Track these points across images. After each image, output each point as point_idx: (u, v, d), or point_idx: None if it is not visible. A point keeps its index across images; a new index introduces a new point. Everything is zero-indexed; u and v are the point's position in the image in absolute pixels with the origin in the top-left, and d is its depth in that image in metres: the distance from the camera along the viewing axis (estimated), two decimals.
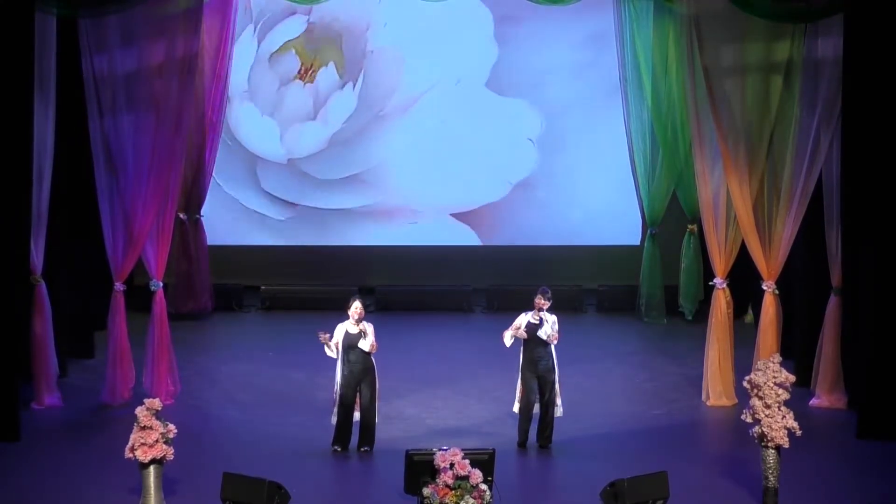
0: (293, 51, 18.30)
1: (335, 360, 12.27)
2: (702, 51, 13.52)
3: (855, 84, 12.92)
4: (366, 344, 12.10)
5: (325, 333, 12.09)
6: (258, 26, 18.19)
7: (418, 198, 18.68)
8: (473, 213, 18.68)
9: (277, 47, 18.27)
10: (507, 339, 12.41)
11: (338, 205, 18.65)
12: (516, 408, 12.50)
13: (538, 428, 12.46)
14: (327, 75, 18.32)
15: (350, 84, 18.32)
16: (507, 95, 18.35)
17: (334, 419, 12.28)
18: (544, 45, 18.19)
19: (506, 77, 18.30)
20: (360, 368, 12.16)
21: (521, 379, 12.42)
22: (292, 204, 18.66)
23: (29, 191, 12.81)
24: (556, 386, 12.40)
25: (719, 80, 13.54)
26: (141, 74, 13.35)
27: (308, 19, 18.22)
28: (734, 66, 13.60)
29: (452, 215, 18.71)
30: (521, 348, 12.39)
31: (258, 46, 18.25)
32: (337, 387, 12.23)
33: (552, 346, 12.34)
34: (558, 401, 12.42)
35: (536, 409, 12.44)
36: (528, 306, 12.35)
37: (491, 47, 18.30)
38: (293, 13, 18.09)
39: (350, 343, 12.14)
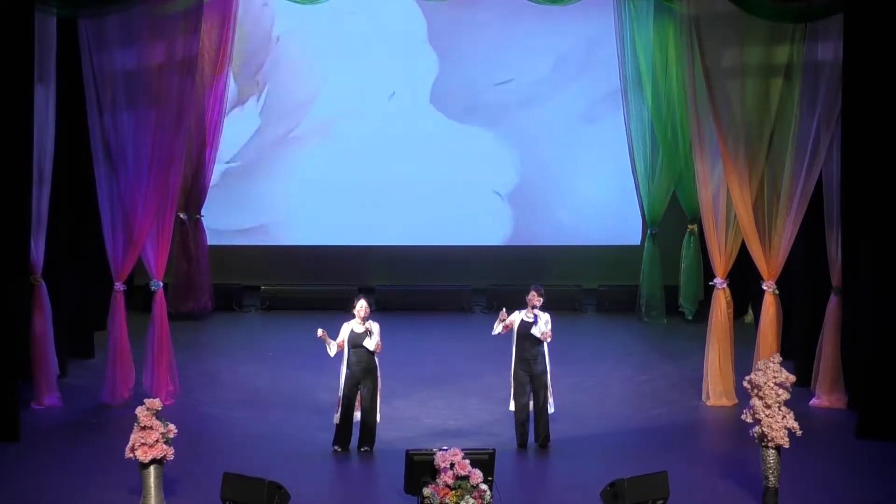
0: None
1: (337, 359, 12.27)
2: (702, 51, 13.51)
3: (855, 84, 12.92)
4: (371, 343, 12.09)
5: (324, 330, 12.09)
6: None
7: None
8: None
9: None
10: (497, 327, 12.35)
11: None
12: (512, 406, 12.49)
13: (535, 429, 12.46)
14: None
15: (253, 98, 16.66)
16: (506, 95, 18.25)
17: (336, 418, 12.29)
18: (543, 45, 18.18)
19: (495, 78, 18.27)
20: (363, 368, 12.16)
21: (514, 378, 12.40)
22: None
23: (29, 191, 12.80)
24: (549, 383, 12.40)
25: (719, 81, 13.54)
26: (141, 74, 13.35)
27: None
28: (734, 67, 13.60)
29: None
30: (514, 347, 12.38)
31: None
32: (341, 386, 12.24)
33: (545, 345, 12.33)
34: (550, 397, 12.42)
35: (531, 407, 12.44)
36: (527, 306, 12.34)
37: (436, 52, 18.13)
38: None
39: (355, 342, 12.15)
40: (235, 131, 17.36)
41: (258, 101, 17.62)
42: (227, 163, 17.58)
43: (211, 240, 17.74)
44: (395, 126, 18.09)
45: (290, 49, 17.34)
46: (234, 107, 17.26)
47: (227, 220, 17.98)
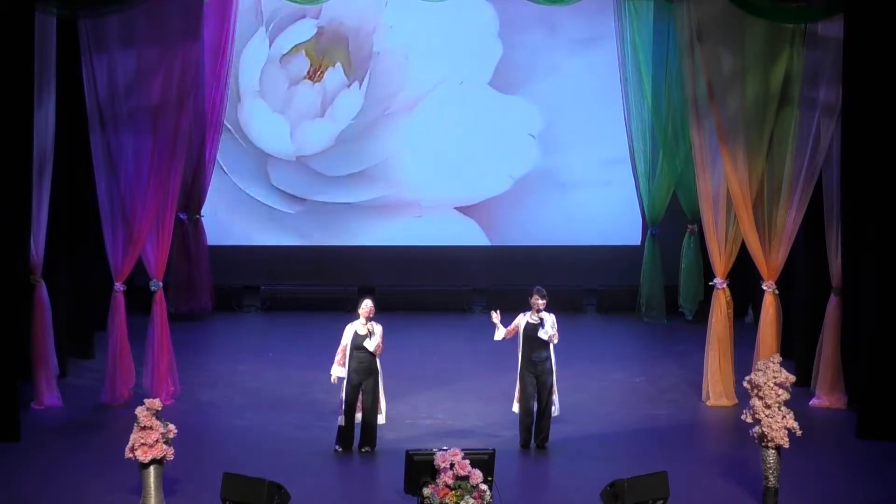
0: (303, 53, 17.94)
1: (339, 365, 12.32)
2: (702, 51, 13.52)
3: (855, 84, 12.92)
4: (371, 344, 12.12)
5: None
6: (269, 28, 17.80)
7: (423, 193, 18.43)
8: (476, 208, 18.46)
9: (288, 49, 17.90)
10: (499, 334, 12.38)
11: (344, 199, 18.30)
12: (515, 408, 12.50)
13: (535, 428, 12.46)
14: (334, 75, 17.94)
15: (357, 83, 17.93)
16: (509, 94, 18.21)
17: (341, 420, 12.31)
18: (546, 44, 18.18)
19: (509, 76, 18.23)
20: (364, 369, 12.19)
21: (520, 379, 12.40)
22: (301, 199, 18.31)
23: (29, 191, 12.81)
24: (554, 386, 12.40)
25: (719, 81, 13.55)
26: (141, 74, 13.35)
27: (317, 23, 17.91)
28: (734, 67, 13.60)
29: (457, 209, 18.44)
30: (520, 348, 12.38)
31: (269, 48, 17.84)
32: (343, 389, 12.25)
33: (552, 347, 12.33)
34: (555, 398, 12.42)
35: (535, 408, 12.44)
36: (528, 306, 12.33)
37: (495, 46, 18.09)
38: (303, 17, 17.80)
39: (357, 344, 12.21)
40: (346, 106, 17.99)
41: (360, 86, 18.05)
42: (349, 123, 18.08)
43: (211, 240, 17.75)
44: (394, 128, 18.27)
45: (385, 58, 18.16)
46: (341, 89, 18.00)
47: (339, 168, 18.21)
